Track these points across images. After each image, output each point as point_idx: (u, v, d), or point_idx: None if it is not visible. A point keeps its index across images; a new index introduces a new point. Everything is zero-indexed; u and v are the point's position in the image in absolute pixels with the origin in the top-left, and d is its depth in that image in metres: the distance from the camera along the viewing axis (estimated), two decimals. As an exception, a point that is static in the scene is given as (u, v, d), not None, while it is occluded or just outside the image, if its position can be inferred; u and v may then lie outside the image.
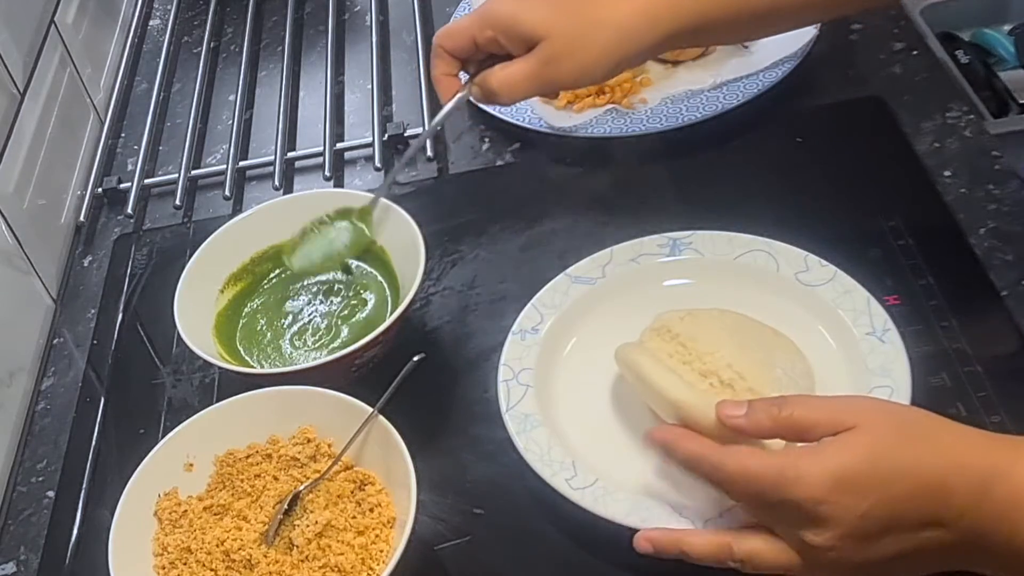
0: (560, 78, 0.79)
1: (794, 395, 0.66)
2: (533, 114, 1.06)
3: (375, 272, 0.93)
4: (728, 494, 0.64)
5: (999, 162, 0.94)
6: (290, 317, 0.92)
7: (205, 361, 0.85)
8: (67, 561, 0.83)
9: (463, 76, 0.83)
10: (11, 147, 1.01)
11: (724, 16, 0.81)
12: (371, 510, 0.75)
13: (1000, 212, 0.90)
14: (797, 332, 0.80)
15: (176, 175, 1.12)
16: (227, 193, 1.09)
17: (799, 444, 0.63)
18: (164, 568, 0.74)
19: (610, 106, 1.05)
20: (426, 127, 1.10)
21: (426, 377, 0.80)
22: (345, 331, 0.90)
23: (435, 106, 1.13)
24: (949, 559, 0.60)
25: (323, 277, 0.94)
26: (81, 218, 1.11)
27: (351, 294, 0.92)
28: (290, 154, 1.13)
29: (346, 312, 0.91)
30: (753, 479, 0.61)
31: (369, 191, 1.02)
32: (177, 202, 1.09)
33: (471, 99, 0.82)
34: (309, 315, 0.92)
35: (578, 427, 0.80)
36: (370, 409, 0.76)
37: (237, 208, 1.09)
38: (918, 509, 0.58)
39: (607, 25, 0.78)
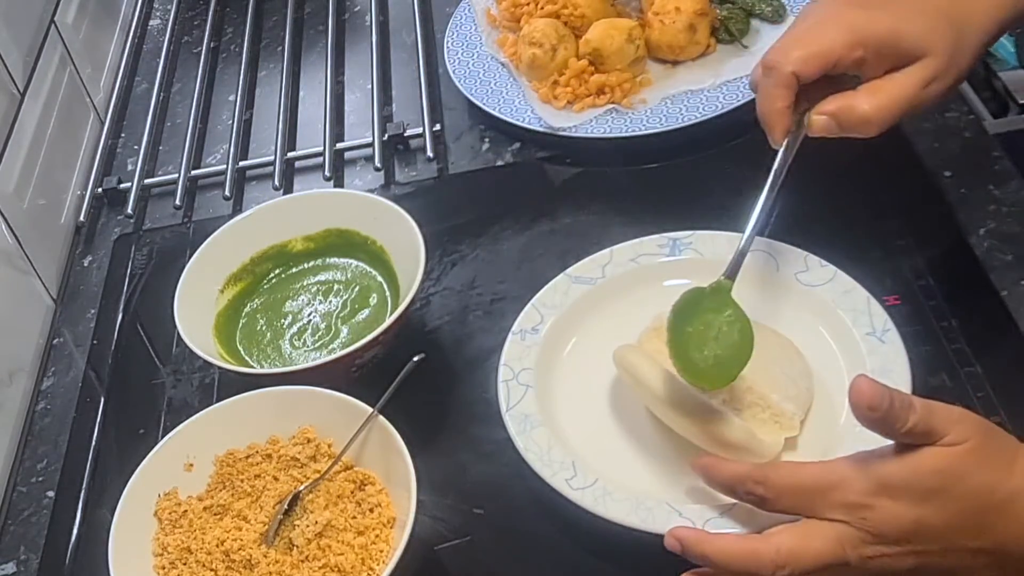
0: (936, 98, 0.72)
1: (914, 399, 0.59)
2: (533, 114, 1.06)
3: (375, 272, 0.94)
4: (775, 507, 0.62)
5: (999, 162, 0.94)
6: (290, 317, 0.92)
7: (205, 361, 0.85)
8: (67, 561, 0.83)
9: None
10: (11, 147, 1.01)
11: None
12: (371, 510, 0.75)
13: (1000, 212, 0.90)
14: (797, 332, 0.80)
15: (176, 175, 1.12)
16: (227, 193, 1.09)
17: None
18: (164, 568, 0.74)
19: (610, 106, 1.05)
20: (426, 126, 1.10)
21: (426, 377, 0.80)
22: (345, 331, 0.90)
23: (435, 106, 1.13)
24: None
25: (323, 277, 0.95)
26: (81, 218, 1.11)
27: (351, 294, 0.93)
28: (290, 154, 1.13)
29: (346, 312, 0.91)
30: (800, 487, 0.61)
31: (370, 190, 1.03)
32: (177, 202, 1.09)
33: (808, 133, 0.73)
34: (309, 315, 0.92)
35: (578, 427, 0.80)
36: (370, 409, 0.76)
37: (237, 208, 1.09)
38: (976, 527, 0.58)
39: (975, 29, 0.72)
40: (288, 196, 1.00)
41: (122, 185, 1.13)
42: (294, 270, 0.96)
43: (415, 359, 0.79)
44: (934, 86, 0.71)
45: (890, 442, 0.60)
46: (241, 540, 0.74)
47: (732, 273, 0.74)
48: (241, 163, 1.14)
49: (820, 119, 0.73)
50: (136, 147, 1.18)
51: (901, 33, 0.70)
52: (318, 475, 0.77)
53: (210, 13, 1.35)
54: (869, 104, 0.71)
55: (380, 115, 1.13)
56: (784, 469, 0.63)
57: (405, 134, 1.10)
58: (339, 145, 1.12)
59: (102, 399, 0.94)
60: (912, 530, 0.58)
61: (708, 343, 0.71)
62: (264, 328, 0.92)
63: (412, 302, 0.84)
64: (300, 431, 0.79)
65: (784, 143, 0.74)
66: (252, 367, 0.89)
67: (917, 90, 0.71)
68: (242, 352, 0.90)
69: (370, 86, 1.17)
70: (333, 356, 0.82)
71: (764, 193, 0.75)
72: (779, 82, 0.72)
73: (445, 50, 1.16)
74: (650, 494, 0.73)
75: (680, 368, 0.71)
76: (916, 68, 0.71)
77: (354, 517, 0.74)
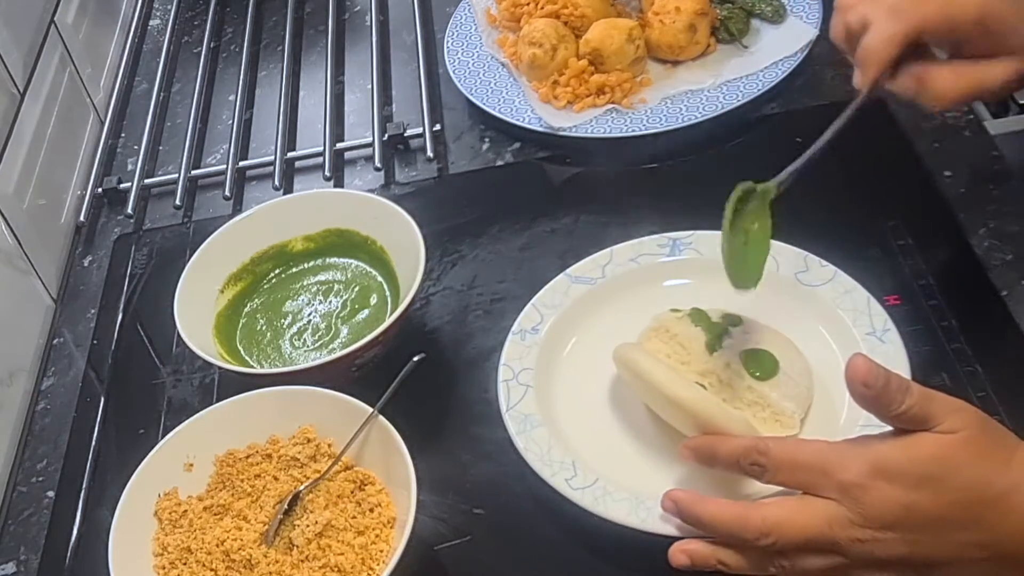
0: (1005, 93, 0.72)
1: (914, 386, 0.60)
2: (533, 114, 1.06)
3: (375, 272, 0.94)
4: (773, 479, 0.63)
5: (999, 162, 0.94)
6: (290, 317, 0.92)
7: (205, 361, 0.85)
8: (67, 561, 0.83)
9: None
10: (11, 147, 1.01)
11: None
12: (371, 510, 0.75)
13: (1000, 212, 0.90)
14: (797, 332, 0.80)
15: (176, 175, 1.12)
16: (227, 193, 1.09)
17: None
18: (164, 568, 0.74)
19: (610, 106, 1.05)
20: (426, 126, 1.10)
21: (426, 377, 0.80)
22: (345, 331, 0.90)
23: (435, 106, 1.13)
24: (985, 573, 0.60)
25: (323, 277, 0.95)
26: (81, 218, 1.11)
27: (351, 294, 0.93)
28: (290, 154, 1.13)
29: (346, 312, 0.91)
30: (798, 463, 0.61)
31: (370, 190, 1.03)
32: (177, 202, 1.09)
33: (886, 85, 0.72)
34: (309, 315, 0.92)
35: (578, 427, 0.80)
36: (370, 409, 0.76)
37: (237, 208, 1.09)
38: (969, 519, 0.57)
39: None
40: (288, 196, 1.00)
41: (122, 185, 1.13)
42: (294, 270, 0.96)
43: (415, 359, 0.79)
44: (1012, 84, 0.71)
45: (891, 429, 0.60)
46: (241, 540, 0.74)
47: (780, 182, 0.74)
48: (241, 163, 1.14)
49: (900, 81, 0.72)
50: (136, 147, 1.18)
51: (1020, 30, 0.69)
52: (318, 475, 0.77)
53: (210, 13, 1.35)
54: (950, 87, 0.71)
55: (380, 115, 1.13)
56: (786, 443, 0.64)
57: (405, 134, 1.10)
58: (339, 145, 1.12)
59: (102, 399, 0.94)
60: (903, 516, 0.58)
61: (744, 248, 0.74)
62: (264, 328, 0.92)
63: (412, 302, 0.84)
64: (300, 431, 0.79)
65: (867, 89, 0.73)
66: (252, 367, 0.89)
67: (996, 87, 0.70)
68: (242, 352, 0.90)
69: (370, 86, 1.17)
70: (333, 356, 0.82)
71: (834, 125, 0.74)
72: (904, 30, 0.69)
73: (445, 50, 1.17)
74: (650, 494, 0.73)
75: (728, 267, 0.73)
76: (1007, 65, 0.70)
77: (354, 517, 0.74)
